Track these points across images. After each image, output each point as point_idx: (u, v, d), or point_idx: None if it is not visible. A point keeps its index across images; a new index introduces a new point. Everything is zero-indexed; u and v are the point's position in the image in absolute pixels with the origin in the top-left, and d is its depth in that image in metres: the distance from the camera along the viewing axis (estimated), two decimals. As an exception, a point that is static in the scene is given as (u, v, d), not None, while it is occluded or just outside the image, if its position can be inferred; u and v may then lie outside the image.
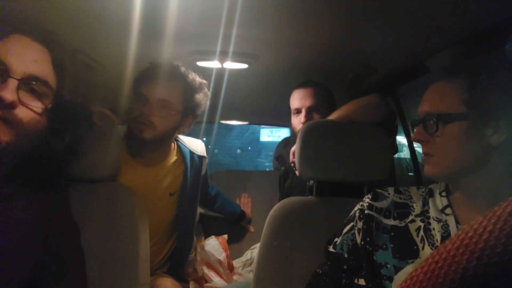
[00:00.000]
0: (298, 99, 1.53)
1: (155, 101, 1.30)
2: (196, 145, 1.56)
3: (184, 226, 1.49)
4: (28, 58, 0.74)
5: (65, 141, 0.83)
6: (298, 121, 1.51)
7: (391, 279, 0.78)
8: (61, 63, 0.80)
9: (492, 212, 0.31)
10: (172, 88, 1.33)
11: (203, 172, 1.59)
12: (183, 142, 1.53)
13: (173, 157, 1.46)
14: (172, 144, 1.48)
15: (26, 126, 0.73)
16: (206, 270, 1.73)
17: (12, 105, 0.70)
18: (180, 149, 1.49)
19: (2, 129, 0.70)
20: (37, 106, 0.74)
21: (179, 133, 1.48)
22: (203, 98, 1.41)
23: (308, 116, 1.49)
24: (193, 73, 1.37)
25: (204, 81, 1.41)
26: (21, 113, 0.72)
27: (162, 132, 1.33)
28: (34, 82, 0.74)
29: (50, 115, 0.79)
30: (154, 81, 1.31)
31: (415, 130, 0.85)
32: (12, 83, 0.70)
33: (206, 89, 1.42)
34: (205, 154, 1.58)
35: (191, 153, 1.51)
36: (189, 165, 1.47)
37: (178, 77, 1.34)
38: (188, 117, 1.40)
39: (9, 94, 0.69)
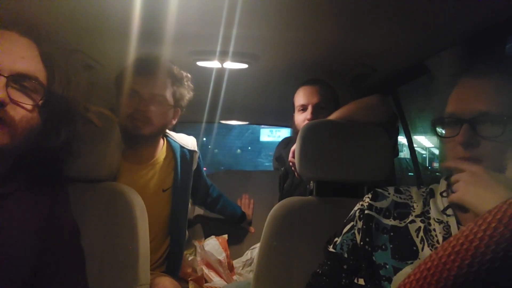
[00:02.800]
0: (304, 96, 1.50)
1: (149, 96, 1.31)
2: (186, 140, 1.57)
3: (177, 221, 1.49)
4: (16, 54, 0.72)
5: (61, 137, 0.81)
6: (303, 118, 1.47)
7: (390, 280, 0.78)
8: (50, 57, 0.78)
9: (483, 219, 0.31)
10: (162, 82, 1.35)
11: (195, 166, 1.59)
12: (173, 137, 1.53)
13: (164, 153, 1.47)
14: (162, 140, 1.49)
15: (19, 124, 0.71)
16: (206, 270, 1.73)
17: (2, 104, 0.68)
18: (170, 145, 1.50)
19: None
20: (28, 103, 0.72)
21: (168, 128, 1.49)
22: (188, 90, 1.44)
23: (314, 113, 1.45)
24: (176, 66, 1.39)
25: (188, 74, 1.43)
26: (12, 111, 0.70)
27: (158, 127, 1.36)
28: (23, 79, 0.72)
29: (43, 111, 0.76)
30: (145, 77, 1.32)
31: (439, 129, 0.78)
32: (1, 81, 0.68)
33: (189, 82, 1.44)
34: (195, 149, 1.58)
35: (181, 147, 1.52)
36: (179, 160, 1.48)
37: (166, 71, 1.36)
38: (177, 109, 1.43)
39: None
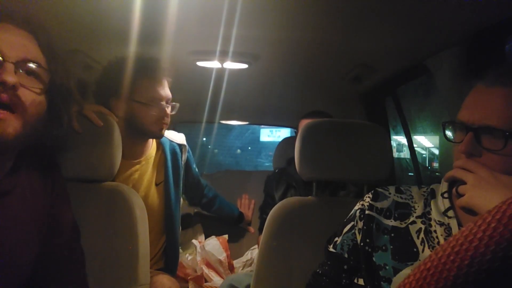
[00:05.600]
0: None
1: (167, 99, 1.38)
2: (175, 135, 1.62)
3: (171, 215, 1.51)
4: (17, 43, 0.73)
5: (64, 126, 0.83)
6: None
7: (389, 281, 0.78)
8: (48, 46, 0.79)
9: (482, 219, 0.31)
10: (168, 83, 1.40)
11: (184, 159, 1.62)
12: None
13: (154, 148, 1.51)
14: None
15: (29, 109, 0.72)
16: (206, 270, 1.73)
17: (14, 88, 0.69)
18: (159, 140, 1.53)
19: (8, 119, 0.69)
20: (37, 87, 0.74)
21: None
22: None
23: None
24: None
25: None
26: (23, 96, 0.71)
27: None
28: (29, 65, 0.73)
29: (48, 97, 0.78)
30: (159, 81, 1.36)
31: (447, 132, 0.78)
32: (9, 67, 0.70)
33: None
34: (184, 143, 1.62)
35: (170, 142, 1.56)
36: (168, 154, 1.52)
37: (166, 70, 1.39)
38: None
39: (10, 77, 0.68)
